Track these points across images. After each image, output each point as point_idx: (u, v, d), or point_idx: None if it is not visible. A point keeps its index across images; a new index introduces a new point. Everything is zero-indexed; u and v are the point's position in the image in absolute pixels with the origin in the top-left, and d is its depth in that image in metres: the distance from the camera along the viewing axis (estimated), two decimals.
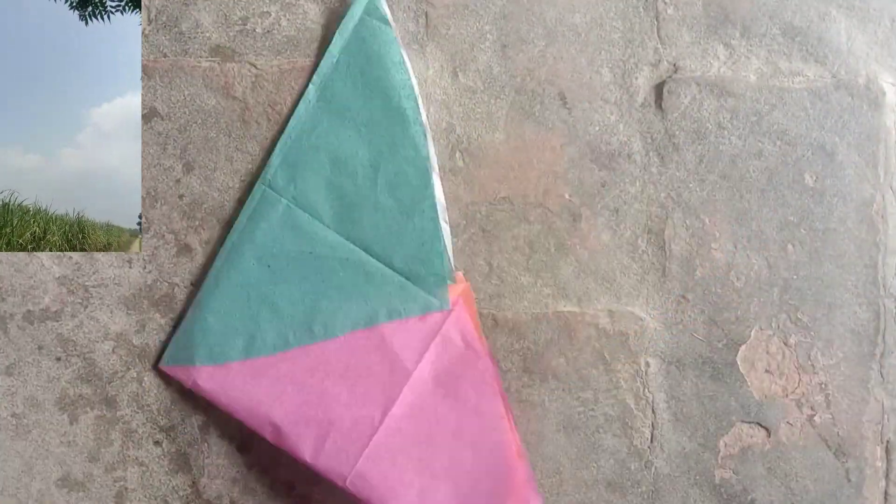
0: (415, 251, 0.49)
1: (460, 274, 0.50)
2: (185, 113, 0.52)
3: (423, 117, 0.49)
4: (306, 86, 0.50)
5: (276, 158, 0.49)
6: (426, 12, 0.53)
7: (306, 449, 0.48)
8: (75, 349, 0.52)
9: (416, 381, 0.48)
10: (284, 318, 0.49)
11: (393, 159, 0.49)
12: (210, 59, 0.52)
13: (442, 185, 0.51)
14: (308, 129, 0.50)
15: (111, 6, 0.59)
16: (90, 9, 0.61)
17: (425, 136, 0.49)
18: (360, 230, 0.49)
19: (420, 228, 0.49)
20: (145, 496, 0.53)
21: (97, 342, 0.52)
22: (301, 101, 0.50)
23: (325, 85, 0.49)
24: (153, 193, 0.52)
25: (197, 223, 0.52)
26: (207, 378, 0.50)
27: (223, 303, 0.50)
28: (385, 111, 0.49)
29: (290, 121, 0.50)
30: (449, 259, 0.49)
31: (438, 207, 0.49)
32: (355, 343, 0.49)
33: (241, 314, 0.49)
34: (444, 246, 0.49)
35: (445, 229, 0.50)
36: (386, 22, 0.49)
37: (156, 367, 0.52)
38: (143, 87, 0.52)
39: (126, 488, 0.53)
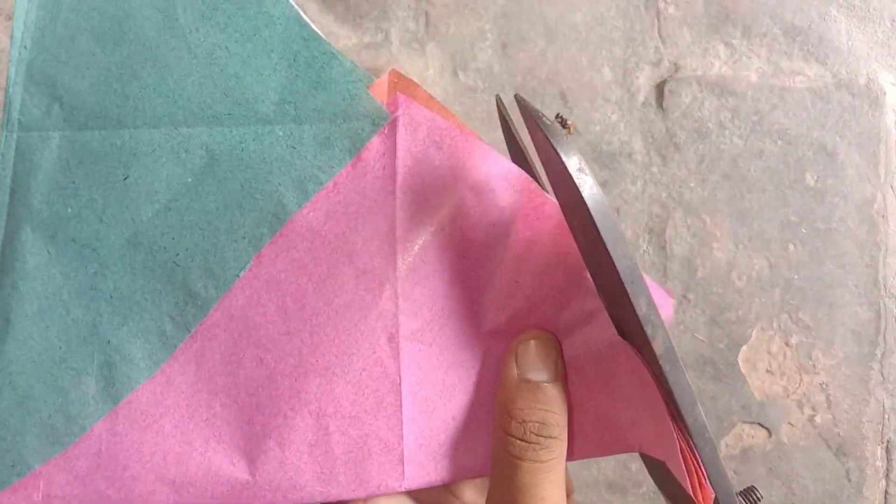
0: (292, 74, 0.26)
1: (394, 70, 0.27)
2: None
3: None
4: None
5: (14, 89, 0.26)
6: (426, 12, 0.53)
7: (240, 471, 0.25)
8: None
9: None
10: (146, 312, 0.25)
11: None
12: None
13: None
14: (49, 18, 0.26)
15: None
16: None
17: None
18: (187, 100, 0.26)
19: (277, 38, 0.26)
20: None
21: None
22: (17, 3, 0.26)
23: None
24: None
25: None
26: (65, 483, 0.25)
27: (24, 355, 0.25)
28: None
29: (13, 27, 0.26)
30: (342, 55, 0.26)
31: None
32: (254, 285, 0.25)
33: (64, 357, 0.25)
34: (323, 41, 0.26)
35: (307, 22, 0.27)
36: None
37: None
38: None
39: None
